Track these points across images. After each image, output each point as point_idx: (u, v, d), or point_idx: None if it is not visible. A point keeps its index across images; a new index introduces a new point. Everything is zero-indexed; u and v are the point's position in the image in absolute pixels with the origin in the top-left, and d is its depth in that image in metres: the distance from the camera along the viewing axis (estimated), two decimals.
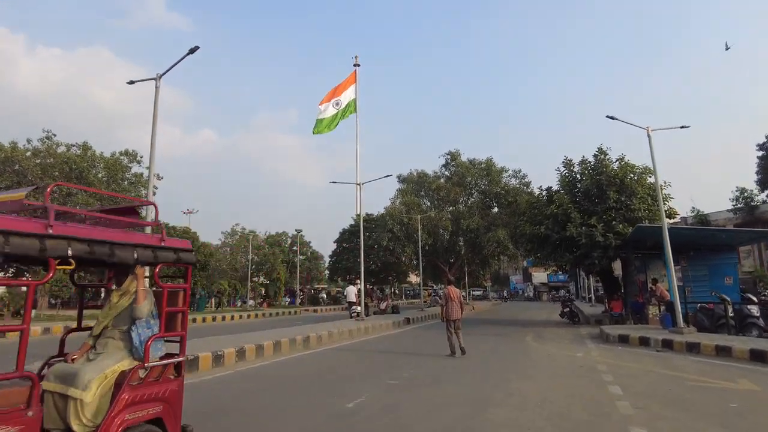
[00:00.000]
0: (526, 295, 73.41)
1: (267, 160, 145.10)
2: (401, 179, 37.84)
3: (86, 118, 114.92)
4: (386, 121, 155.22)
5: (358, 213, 18.99)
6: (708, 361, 9.03)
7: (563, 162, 21.12)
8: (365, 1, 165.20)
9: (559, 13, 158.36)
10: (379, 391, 6.64)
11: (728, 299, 12.18)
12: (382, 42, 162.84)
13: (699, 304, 14.21)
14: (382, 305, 23.71)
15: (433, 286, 55.35)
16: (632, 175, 19.21)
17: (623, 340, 11.88)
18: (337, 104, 42.95)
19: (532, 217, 20.90)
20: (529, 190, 32.60)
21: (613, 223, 18.06)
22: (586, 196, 19.50)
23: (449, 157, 36.36)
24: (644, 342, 11.22)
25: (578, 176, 20.43)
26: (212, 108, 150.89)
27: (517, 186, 32.99)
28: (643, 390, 6.61)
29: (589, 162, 20.35)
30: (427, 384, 7.12)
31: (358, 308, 20.82)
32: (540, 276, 77.32)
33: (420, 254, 28.84)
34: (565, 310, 20.32)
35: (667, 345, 10.64)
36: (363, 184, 18.44)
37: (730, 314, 11.80)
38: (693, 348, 9.95)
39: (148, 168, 31.66)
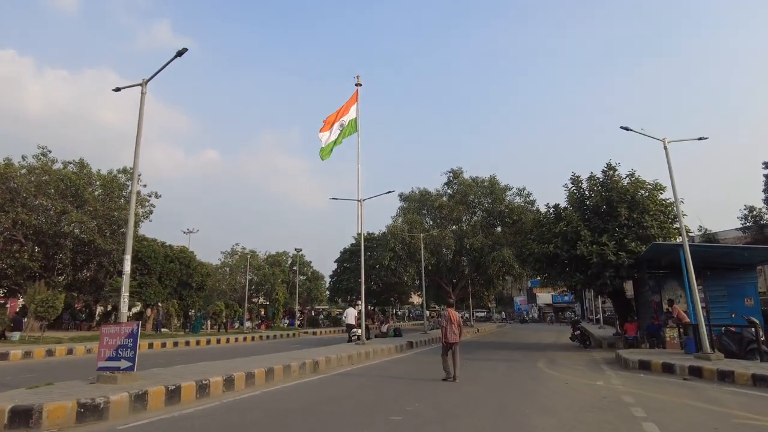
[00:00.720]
0: (530, 316, 71.93)
1: (269, 180, 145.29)
2: (403, 197, 37.19)
3: (90, 138, 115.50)
4: (387, 141, 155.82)
5: (359, 231, 18.27)
6: (746, 392, 8.14)
7: (571, 178, 20.50)
8: (367, 22, 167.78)
9: (561, 23, 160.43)
10: (381, 430, 5.80)
11: (757, 322, 11.31)
12: (383, 59, 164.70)
13: (723, 328, 13.31)
14: (384, 328, 22.74)
15: (436, 307, 54.16)
16: (643, 191, 18.55)
17: (644, 366, 10.98)
18: (341, 126, 42.64)
19: (540, 236, 20.14)
20: (534, 208, 31.89)
21: (625, 241, 17.29)
22: (596, 213, 18.79)
23: (452, 174, 35.78)
24: (668, 369, 10.32)
25: (587, 193, 19.78)
26: (216, 129, 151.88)
27: (522, 204, 32.25)
28: (683, 429, 5.77)
29: (598, 178, 19.73)
30: (435, 420, 6.28)
31: (359, 331, 19.86)
32: (544, 297, 76.01)
33: (423, 274, 27.94)
34: (575, 333, 19.37)
35: (695, 372, 9.75)
36: (364, 200, 17.77)
37: (761, 338, 10.92)
38: (726, 377, 9.06)
39: (131, 173, 31.29)
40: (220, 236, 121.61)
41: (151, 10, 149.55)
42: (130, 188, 30.47)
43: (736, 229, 36.70)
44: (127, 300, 7.97)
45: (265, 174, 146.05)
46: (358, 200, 17.70)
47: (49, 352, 14.97)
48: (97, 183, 28.31)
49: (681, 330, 15.00)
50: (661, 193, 18.68)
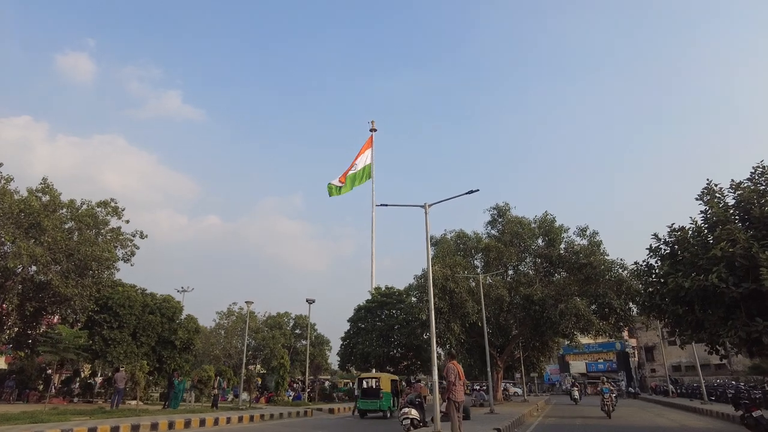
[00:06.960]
0: (563, 387, 62.95)
1: (269, 245, 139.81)
2: (433, 242, 31.20)
3: (92, 198, 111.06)
4: (401, 185, 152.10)
5: (426, 241, 12.01)
6: None
7: (705, 188, 14.82)
8: (379, 80, 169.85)
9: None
10: None
11: None
12: (390, 124, 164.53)
13: None
14: (443, 407, 15.84)
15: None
16: None
17: None
18: (355, 168, 37.70)
19: (673, 265, 14.03)
20: (601, 250, 25.93)
21: None
22: (766, 228, 12.85)
23: (496, 212, 30.23)
24: None
25: (740, 203, 13.98)
26: (219, 194, 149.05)
27: (587, 246, 26.24)
28: None
29: (748, 186, 14.06)
30: None
31: (412, 412, 13.18)
32: (578, 365, 67.72)
33: (485, 325, 21.31)
34: (751, 414, 12.66)
35: None
36: (431, 205, 11.90)
37: None
38: None
39: (112, 206, 24.72)
40: (218, 300, 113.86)
41: (163, 80, 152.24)
42: (112, 224, 24.83)
43: None
44: None
45: (264, 238, 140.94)
46: (422, 206, 11.87)
47: None
48: (64, 211, 22.52)
49: None
50: None
